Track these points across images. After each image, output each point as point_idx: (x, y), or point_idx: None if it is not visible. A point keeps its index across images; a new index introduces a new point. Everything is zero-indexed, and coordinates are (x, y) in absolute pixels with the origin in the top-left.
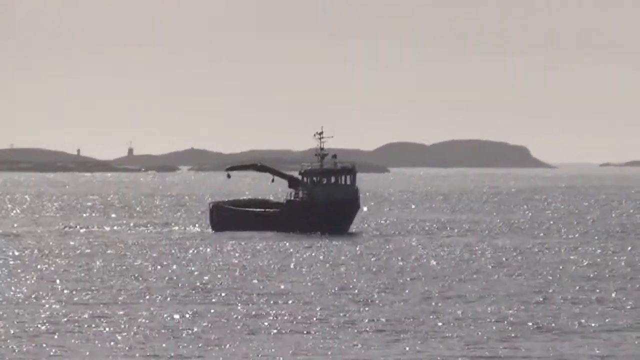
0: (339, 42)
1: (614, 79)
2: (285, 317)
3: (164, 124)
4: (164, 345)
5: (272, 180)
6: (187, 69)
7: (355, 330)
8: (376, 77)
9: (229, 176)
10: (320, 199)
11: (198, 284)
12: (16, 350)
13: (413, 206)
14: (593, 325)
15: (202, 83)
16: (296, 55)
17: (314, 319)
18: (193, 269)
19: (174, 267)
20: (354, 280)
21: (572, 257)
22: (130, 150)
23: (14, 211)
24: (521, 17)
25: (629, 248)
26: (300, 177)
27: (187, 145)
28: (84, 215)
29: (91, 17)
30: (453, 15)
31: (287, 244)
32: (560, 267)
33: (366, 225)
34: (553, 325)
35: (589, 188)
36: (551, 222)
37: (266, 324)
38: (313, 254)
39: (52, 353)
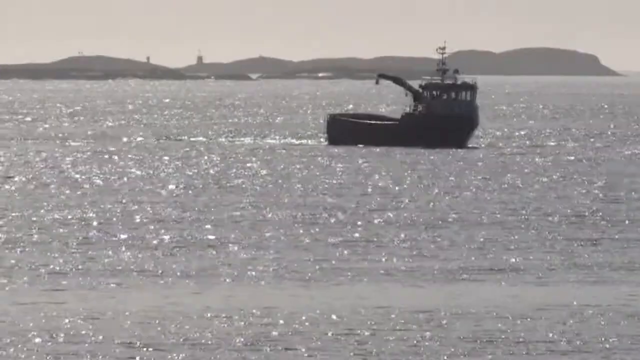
0: None
1: None
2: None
3: (233, 31)
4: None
5: (406, 94)
6: None
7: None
8: None
9: (377, 82)
10: (438, 113)
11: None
12: None
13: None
14: None
15: None
16: None
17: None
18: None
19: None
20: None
21: None
22: (200, 58)
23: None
24: None
25: None
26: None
27: (256, 53)
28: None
29: None
30: None
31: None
32: None
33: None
34: None
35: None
36: None
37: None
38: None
39: None
